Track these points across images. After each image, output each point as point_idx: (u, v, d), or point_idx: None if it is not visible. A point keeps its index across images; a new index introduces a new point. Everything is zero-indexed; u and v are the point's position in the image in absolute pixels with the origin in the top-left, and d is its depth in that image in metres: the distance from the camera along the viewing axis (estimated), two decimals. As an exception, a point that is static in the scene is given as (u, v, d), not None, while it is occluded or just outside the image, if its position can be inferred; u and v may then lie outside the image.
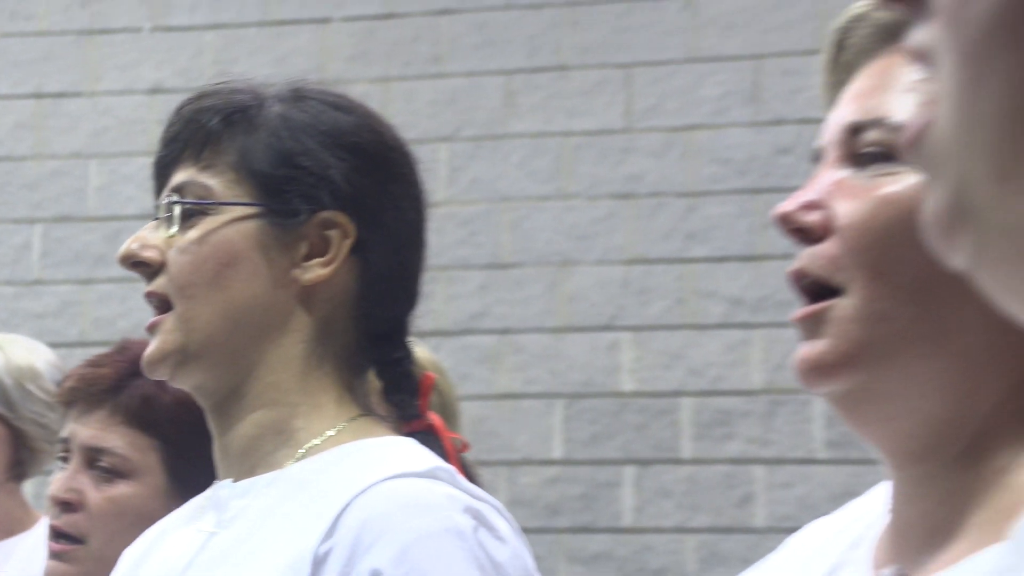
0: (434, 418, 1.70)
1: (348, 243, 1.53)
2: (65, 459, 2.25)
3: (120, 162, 4.60)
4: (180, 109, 1.61)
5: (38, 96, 4.71)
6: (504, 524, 1.49)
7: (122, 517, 2.15)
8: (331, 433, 1.54)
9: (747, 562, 1.16)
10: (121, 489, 2.18)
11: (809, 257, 0.94)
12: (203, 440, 1.79)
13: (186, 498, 1.84)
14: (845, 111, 0.98)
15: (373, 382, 1.65)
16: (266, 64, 4.47)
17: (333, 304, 1.56)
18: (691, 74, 4.11)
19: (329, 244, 1.54)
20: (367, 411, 1.59)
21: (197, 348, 1.54)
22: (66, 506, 2.20)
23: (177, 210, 1.54)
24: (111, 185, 4.62)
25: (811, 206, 0.94)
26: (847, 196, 0.95)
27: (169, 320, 1.53)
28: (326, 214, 1.53)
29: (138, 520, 2.04)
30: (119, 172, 4.60)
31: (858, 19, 0.99)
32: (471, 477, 1.70)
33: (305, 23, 4.57)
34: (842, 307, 0.92)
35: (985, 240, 0.42)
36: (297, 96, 1.58)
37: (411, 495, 1.46)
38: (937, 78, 0.42)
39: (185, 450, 2.09)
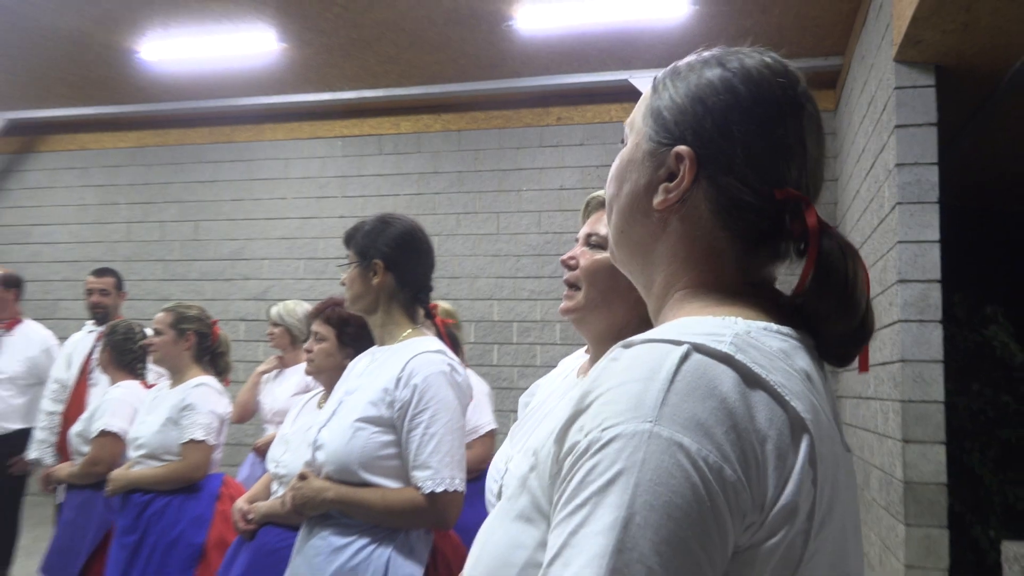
0: (439, 322, 2.01)
1: (385, 271, 1.90)
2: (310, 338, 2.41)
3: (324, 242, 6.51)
4: (347, 231, 1.99)
5: (305, 218, 6.48)
6: (461, 369, 1.85)
7: (326, 356, 2.34)
8: (407, 333, 1.90)
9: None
10: (323, 346, 2.34)
11: (571, 274, 1.23)
12: (359, 331, 2.31)
13: (352, 355, 2.22)
14: (587, 228, 1.27)
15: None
16: (380, 207, 5.66)
17: (391, 290, 1.91)
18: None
19: (376, 271, 1.90)
20: (416, 325, 1.94)
21: (361, 308, 1.94)
22: (310, 361, 2.37)
23: (350, 262, 1.94)
24: (313, 253, 6.58)
25: (573, 258, 1.24)
26: (583, 257, 1.23)
27: (348, 299, 1.93)
28: (377, 263, 1.89)
29: (340, 365, 2.27)
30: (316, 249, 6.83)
31: (596, 197, 1.28)
32: (455, 345, 2.01)
33: (383, 196, 6.30)
34: (579, 295, 1.23)
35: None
36: (383, 221, 1.95)
37: (430, 358, 1.80)
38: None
39: (349, 333, 2.34)
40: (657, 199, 0.73)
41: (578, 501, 0.56)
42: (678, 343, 0.61)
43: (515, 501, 0.69)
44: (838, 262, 0.71)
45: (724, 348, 0.61)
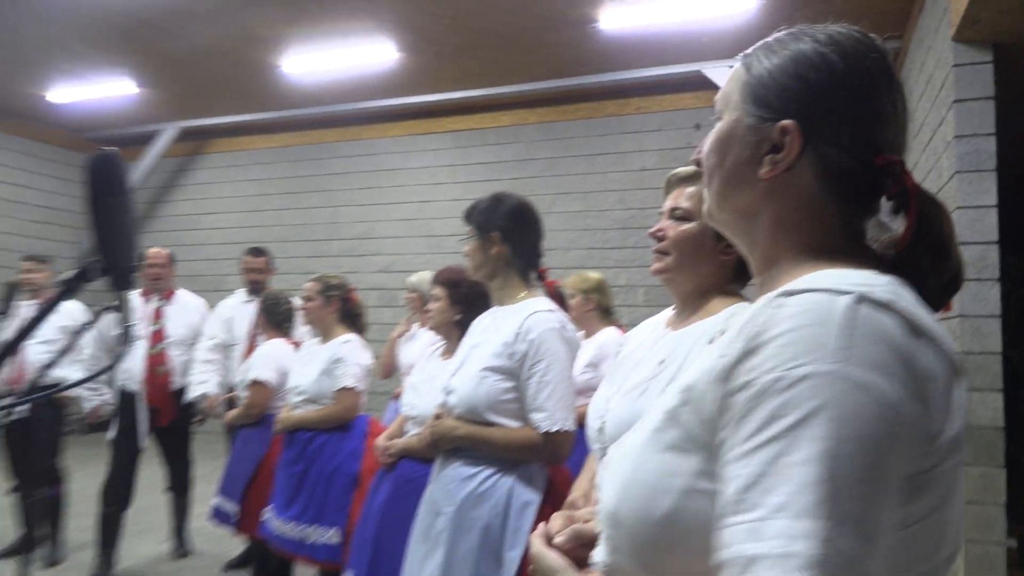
0: (549, 284, 1.92)
1: (502, 242, 1.84)
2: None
3: (440, 222, 6.46)
4: (467, 209, 1.90)
5: (422, 201, 6.64)
6: (571, 325, 1.79)
7: (440, 313, 2.27)
8: (522, 295, 1.86)
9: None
10: (438, 305, 2.27)
11: (662, 244, 1.25)
12: (469, 291, 2.24)
13: (463, 311, 2.21)
14: (670, 202, 1.27)
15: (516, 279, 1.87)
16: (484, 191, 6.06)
17: (507, 258, 1.86)
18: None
19: (494, 242, 1.85)
20: (532, 287, 1.89)
21: (483, 275, 1.88)
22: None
23: (470, 236, 1.87)
24: (437, 230, 6.55)
25: (661, 230, 1.26)
26: (670, 229, 1.25)
27: (471, 268, 1.90)
28: (494, 235, 1.84)
29: (453, 320, 2.26)
30: (435, 227, 6.66)
31: (676, 174, 1.29)
32: (563, 304, 1.90)
33: (487, 182, 6.18)
34: (669, 259, 1.25)
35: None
36: (497, 198, 1.89)
37: (544, 316, 1.76)
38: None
39: (460, 292, 2.27)
40: (764, 170, 0.70)
41: (770, 434, 0.54)
42: (842, 292, 0.58)
43: (662, 434, 0.64)
44: (934, 220, 0.68)
45: (884, 297, 0.58)
